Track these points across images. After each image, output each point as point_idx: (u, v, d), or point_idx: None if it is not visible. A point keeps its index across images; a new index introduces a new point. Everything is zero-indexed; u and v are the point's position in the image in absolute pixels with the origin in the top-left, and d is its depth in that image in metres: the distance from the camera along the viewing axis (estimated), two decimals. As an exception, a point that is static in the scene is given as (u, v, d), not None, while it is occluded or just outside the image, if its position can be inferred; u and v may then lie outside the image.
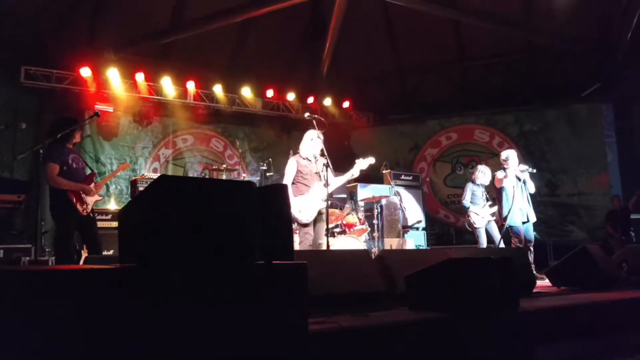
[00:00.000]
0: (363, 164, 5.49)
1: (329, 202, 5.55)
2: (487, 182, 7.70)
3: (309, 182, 5.42)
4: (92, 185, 5.19)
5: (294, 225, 5.89)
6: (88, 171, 5.38)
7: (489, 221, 7.55)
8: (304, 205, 5.28)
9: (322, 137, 5.53)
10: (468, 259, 3.81)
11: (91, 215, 5.15)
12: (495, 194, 7.17)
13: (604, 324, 3.76)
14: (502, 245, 7.04)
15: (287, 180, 5.46)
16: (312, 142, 5.49)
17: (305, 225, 5.31)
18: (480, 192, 7.68)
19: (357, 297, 3.63)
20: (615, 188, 10.63)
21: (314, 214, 5.30)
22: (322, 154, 5.46)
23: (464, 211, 11.72)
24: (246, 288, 2.31)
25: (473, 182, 7.77)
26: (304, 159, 5.50)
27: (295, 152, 5.70)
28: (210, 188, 2.47)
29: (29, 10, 8.78)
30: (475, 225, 7.57)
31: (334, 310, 3.22)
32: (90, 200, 5.13)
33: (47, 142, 5.02)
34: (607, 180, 10.74)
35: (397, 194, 9.14)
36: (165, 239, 2.22)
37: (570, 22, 9.85)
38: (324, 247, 5.25)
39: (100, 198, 5.47)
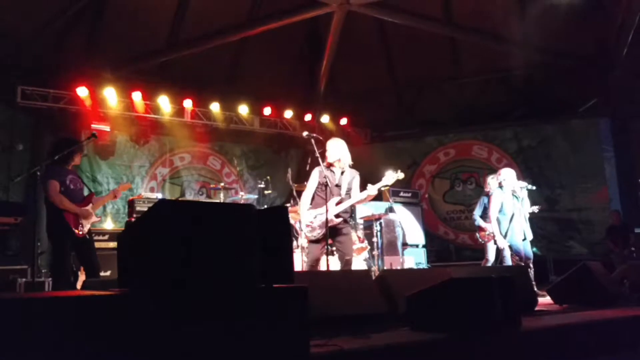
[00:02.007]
0: (391, 178, 5.19)
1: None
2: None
3: (327, 194, 5.13)
4: (90, 206, 5.18)
5: (302, 242, 5.74)
6: (87, 192, 5.38)
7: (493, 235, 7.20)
8: (314, 220, 5.08)
9: (339, 143, 5.24)
10: (469, 279, 3.80)
11: (87, 236, 5.12)
12: (488, 211, 7.07)
13: (608, 343, 3.72)
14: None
15: (308, 192, 5.27)
16: (334, 149, 5.21)
17: (315, 241, 5.09)
18: None
19: (358, 318, 3.59)
20: (614, 203, 10.61)
21: (322, 230, 5.02)
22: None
23: (462, 227, 11.76)
24: (246, 312, 2.29)
25: (486, 195, 7.56)
26: (327, 168, 5.22)
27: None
28: (209, 212, 2.46)
29: (26, 30, 8.81)
30: (480, 240, 7.53)
31: (334, 331, 3.18)
32: (87, 222, 5.11)
33: (44, 163, 5.03)
34: (606, 195, 10.73)
35: (391, 210, 9.09)
36: (164, 264, 2.20)
37: (567, 38, 9.93)
38: (351, 263, 5.09)
39: (98, 219, 5.44)
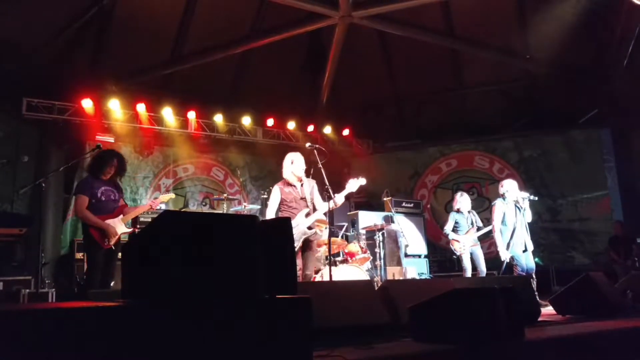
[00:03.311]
0: (354, 185, 5.38)
1: (330, 231, 5.49)
2: (468, 207, 7.94)
3: (294, 209, 5.28)
4: (120, 217, 5.19)
5: None
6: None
7: (472, 247, 7.70)
8: None
9: (301, 157, 5.43)
10: (472, 289, 3.80)
11: (113, 247, 5.12)
12: (492, 221, 7.16)
13: (612, 354, 3.71)
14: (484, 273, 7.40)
15: (271, 210, 5.35)
16: (292, 165, 5.37)
17: None
18: (464, 220, 7.84)
19: (360, 329, 3.60)
20: (616, 213, 10.61)
21: (296, 244, 5.09)
22: (320, 178, 5.32)
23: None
24: (250, 323, 2.30)
25: (456, 211, 7.97)
26: (287, 185, 5.39)
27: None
28: (213, 223, 2.47)
29: (31, 43, 8.89)
30: (456, 252, 7.79)
31: (337, 342, 3.19)
32: (113, 234, 5.11)
33: (59, 169, 5.08)
34: (607, 205, 10.73)
35: (390, 220, 9.12)
36: (169, 275, 2.21)
37: (568, 49, 9.97)
38: (312, 278, 5.15)
39: (130, 230, 5.35)
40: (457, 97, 12.17)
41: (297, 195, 5.31)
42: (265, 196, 8.70)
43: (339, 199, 5.22)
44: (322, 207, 5.31)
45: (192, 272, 2.25)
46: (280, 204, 5.34)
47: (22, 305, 6.01)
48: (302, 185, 5.35)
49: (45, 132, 9.39)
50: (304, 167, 5.38)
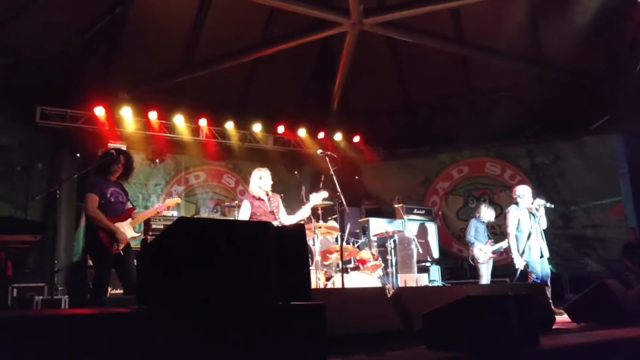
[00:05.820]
0: (317, 198, 5.71)
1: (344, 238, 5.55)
2: (492, 219, 8.14)
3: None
4: (128, 221, 5.04)
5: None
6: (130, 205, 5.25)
7: (490, 258, 7.88)
8: None
9: (269, 173, 5.77)
10: (486, 297, 3.77)
11: (121, 253, 4.89)
12: (506, 228, 7.15)
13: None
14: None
15: None
16: (260, 180, 5.71)
17: None
18: (483, 229, 7.97)
19: (373, 336, 3.58)
20: (630, 219, 10.49)
21: None
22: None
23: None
24: (264, 330, 2.30)
25: (477, 218, 8.09)
26: (256, 199, 5.65)
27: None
28: (228, 230, 2.48)
29: (44, 52, 8.99)
30: (479, 261, 7.88)
31: (350, 349, 3.18)
32: (122, 238, 4.90)
33: (73, 176, 5.00)
34: (621, 212, 10.62)
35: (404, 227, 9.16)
36: (184, 281, 2.22)
37: (579, 55, 9.93)
38: None
39: (138, 235, 5.17)
40: (468, 103, 12.15)
41: (266, 209, 5.62)
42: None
43: (306, 211, 5.72)
44: (287, 220, 5.70)
45: (206, 278, 2.26)
46: (250, 217, 5.59)
47: (36, 311, 6.05)
48: (269, 199, 5.67)
49: (58, 140, 9.49)
50: (271, 182, 5.74)
